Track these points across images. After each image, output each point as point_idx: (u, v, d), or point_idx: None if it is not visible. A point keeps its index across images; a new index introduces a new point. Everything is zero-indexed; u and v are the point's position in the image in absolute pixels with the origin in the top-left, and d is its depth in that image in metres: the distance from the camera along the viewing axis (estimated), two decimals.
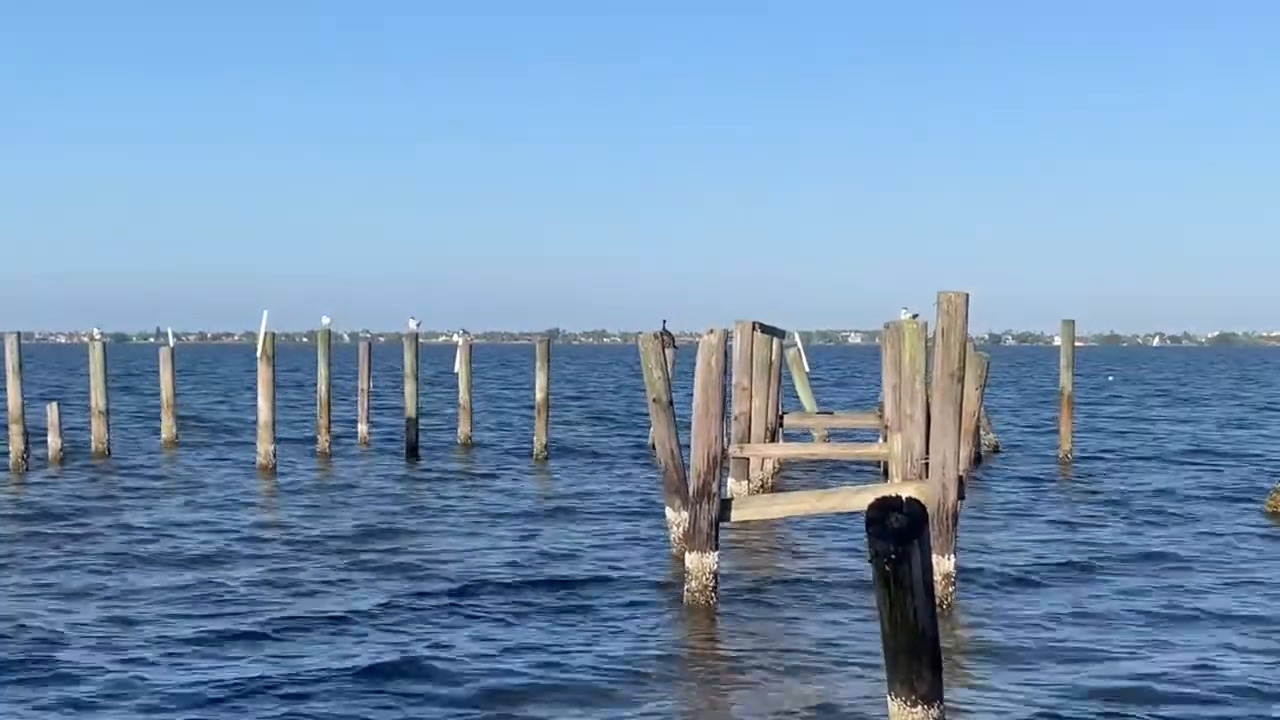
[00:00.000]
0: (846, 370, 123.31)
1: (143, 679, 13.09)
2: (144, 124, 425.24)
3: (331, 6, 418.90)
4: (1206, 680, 13.18)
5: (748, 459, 25.84)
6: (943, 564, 15.60)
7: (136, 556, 20.11)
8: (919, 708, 8.27)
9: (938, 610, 8.64)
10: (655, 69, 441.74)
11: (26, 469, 31.14)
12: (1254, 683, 13.10)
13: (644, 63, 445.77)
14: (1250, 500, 27.10)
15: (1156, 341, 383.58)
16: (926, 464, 16.17)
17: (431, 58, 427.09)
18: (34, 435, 32.62)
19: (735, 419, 24.99)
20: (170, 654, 14.07)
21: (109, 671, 13.36)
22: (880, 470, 29.05)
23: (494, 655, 14.14)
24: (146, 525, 23.32)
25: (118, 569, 19.05)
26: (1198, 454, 38.50)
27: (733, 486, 24.92)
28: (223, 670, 13.42)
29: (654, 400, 18.77)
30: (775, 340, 29.95)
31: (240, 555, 20.32)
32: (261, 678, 13.08)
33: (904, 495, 8.23)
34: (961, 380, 15.66)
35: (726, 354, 16.58)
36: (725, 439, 16.63)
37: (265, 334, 32.59)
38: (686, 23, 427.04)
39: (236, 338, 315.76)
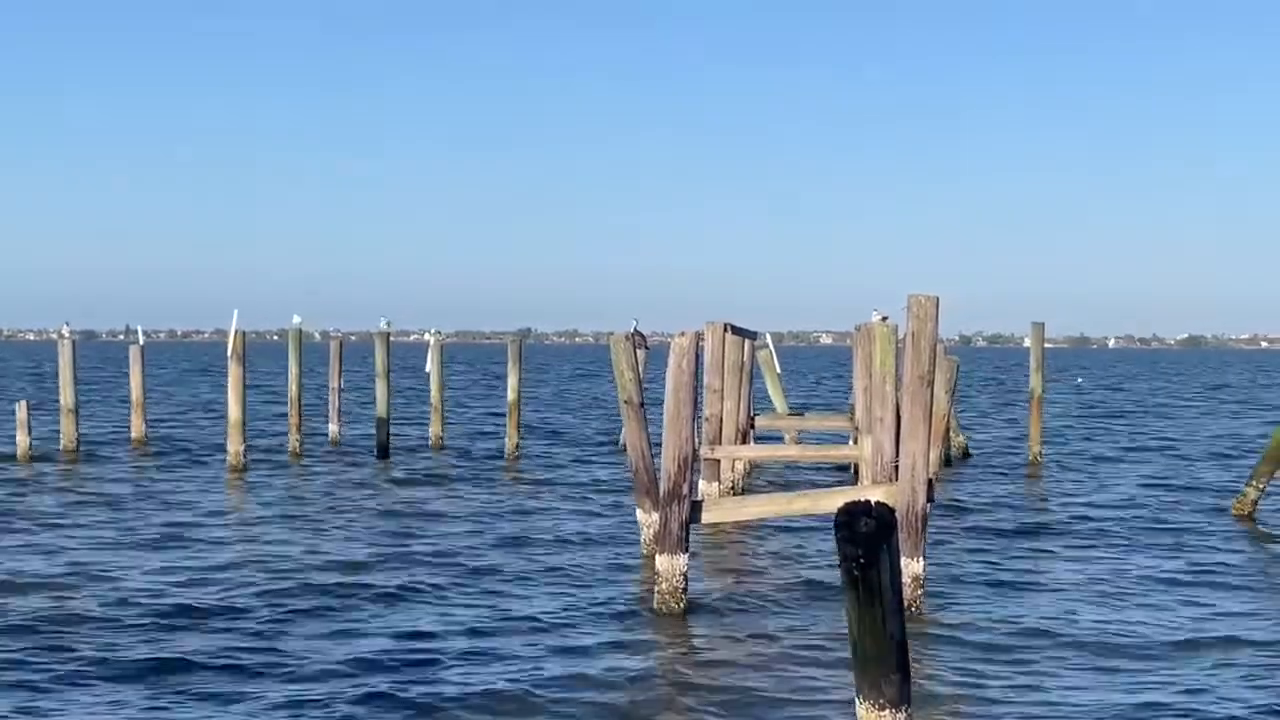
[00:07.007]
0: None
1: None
2: (119, 120, 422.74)
3: (314, 9, 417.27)
4: (1188, 678, 13.29)
5: (719, 461, 25.87)
6: (912, 567, 15.66)
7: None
8: (887, 711, 8.28)
9: (906, 613, 8.66)
10: (628, 70, 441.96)
11: None
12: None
13: (614, 64, 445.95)
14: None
15: (1113, 343, 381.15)
16: (896, 466, 16.22)
17: (412, 58, 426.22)
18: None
19: (706, 420, 25.00)
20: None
21: None
22: (851, 472, 29.12)
23: (470, 654, 14.15)
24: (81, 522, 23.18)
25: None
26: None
27: (703, 488, 24.93)
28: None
29: (625, 401, 18.77)
30: (746, 342, 30.00)
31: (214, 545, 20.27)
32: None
33: (873, 499, 8.24)
34: (931, 383, 15.73)
35: (698, 355, 16.59)
36: (696, 440, 16.64)
37: (235, 332, 32.42)
38: (666, 22, 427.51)
39: (207, 335, 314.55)
